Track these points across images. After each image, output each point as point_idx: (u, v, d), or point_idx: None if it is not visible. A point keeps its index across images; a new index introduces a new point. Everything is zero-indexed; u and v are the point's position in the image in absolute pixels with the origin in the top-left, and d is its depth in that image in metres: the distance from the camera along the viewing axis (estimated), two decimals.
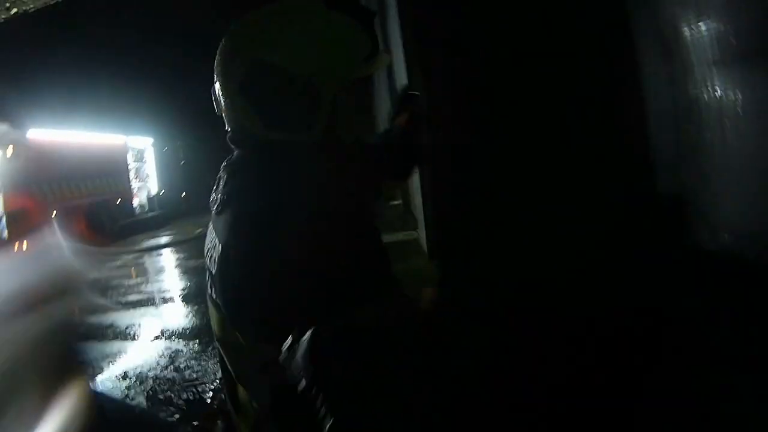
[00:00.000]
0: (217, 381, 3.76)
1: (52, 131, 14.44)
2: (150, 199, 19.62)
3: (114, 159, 17.58)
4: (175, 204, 20.48)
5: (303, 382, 0.86)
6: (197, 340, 5.08)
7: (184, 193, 21.56)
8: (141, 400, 3.90)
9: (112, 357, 5.09)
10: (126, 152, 18.35)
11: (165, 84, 21.12)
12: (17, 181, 12.38)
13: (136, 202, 18.67)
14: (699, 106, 2.08)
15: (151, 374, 4.45)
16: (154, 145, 20.73)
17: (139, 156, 19.64)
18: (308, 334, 0.86)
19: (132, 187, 18.56)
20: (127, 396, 4.06)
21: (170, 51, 20.43)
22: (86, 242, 11.12)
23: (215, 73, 1.04)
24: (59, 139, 14.70)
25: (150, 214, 18.74)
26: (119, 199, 16.98)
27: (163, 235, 14.93)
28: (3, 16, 2.65)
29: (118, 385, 4.28)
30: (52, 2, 2.70)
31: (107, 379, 4.44)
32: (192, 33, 18.98)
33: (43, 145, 13.81)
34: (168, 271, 9.96)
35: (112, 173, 17.18)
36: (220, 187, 1.04)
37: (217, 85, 1.05)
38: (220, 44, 1.03)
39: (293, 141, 1.01)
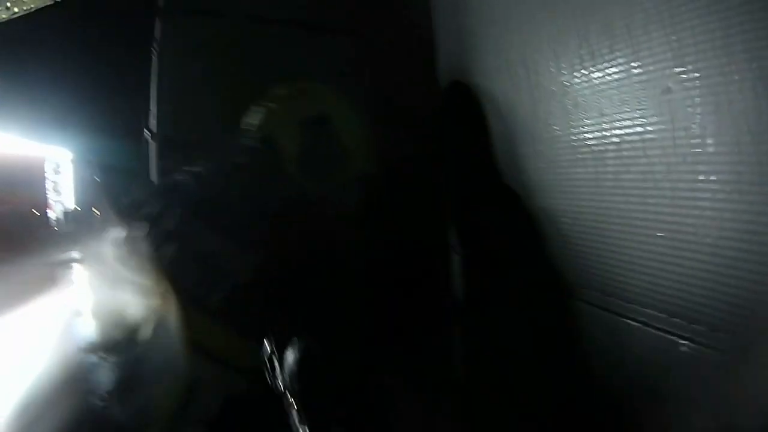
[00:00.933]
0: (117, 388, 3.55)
1: None
2: (65, 213, 18.55)
3: (32, 169, 16.83)
4: (89, 220, 19.44)
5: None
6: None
7: (97, 211, 20.63)
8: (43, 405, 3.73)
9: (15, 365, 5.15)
10: (44, 163, 17.56)
11: (89, 98, 20.30)
12: None
13: (51, 215, 17.64)
14: None
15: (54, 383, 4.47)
16: (72, 160, 19.72)
17: (58, 169, 18.67)
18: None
19: (49, 199, 17.62)
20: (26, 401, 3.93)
21: (98, 66, 19.86)
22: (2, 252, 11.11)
23: (268, 123, 1.38)
24: None
25: (64, 229, 17.79)
26: (35, 211, 16.20)
27: (75, 250, 14.59)
28: (3, 16, 2.55)
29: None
30: (51, 2, 2.59)
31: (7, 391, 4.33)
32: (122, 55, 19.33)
33: None
34: (78, 285, 10.17)
35: (30, 183, 16.41)
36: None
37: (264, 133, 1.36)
38: (273, 104, 1.38)
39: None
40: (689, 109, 1.02)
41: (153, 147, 2.59)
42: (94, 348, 2.47)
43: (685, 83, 1.03)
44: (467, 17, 2.02)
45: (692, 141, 1.02)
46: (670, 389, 1.15)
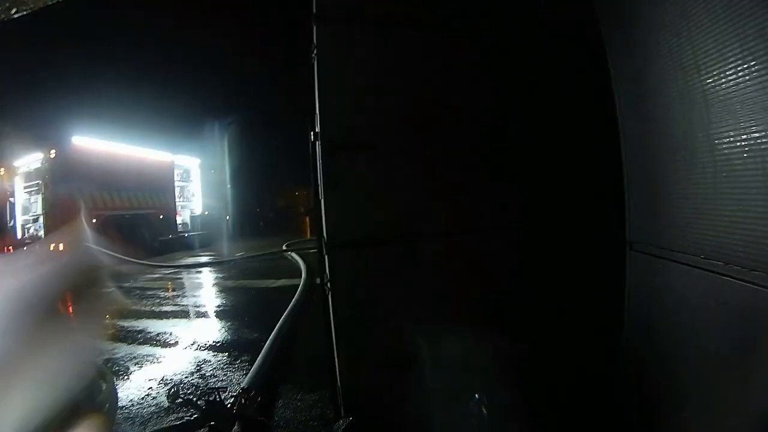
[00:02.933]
0: (240, 389, 3.75)
1: (98, 140, 15.10)
2: (193, 218, 20.50)
3: (160, 175, 18.40)
4: (218, 226, 21.15)
5: None
6: (226, 353, 5.40)
7: (228, 216, 22.54)
8: (162, 399, 4.03)
9: (138, 360, 5.24)
10: (172, 170, 19.29)
11: (221, 108, 22.44)
12: (58, 184, 13.18)
13: (179, 220, 19.43)
14: None
15: (175, 378, 4.68)
16: (201, 166, 21.45)
17: (186, 175, 20.61)
18: None
19: (176, 204, 19.30)
20: (148, 395, 4.24)
21: (229, 81, 22.24)
22: (124, 252, 12.31)
23: None
24: (105, 148, 15.35)
25: (192, 233, 19.54)
26: (162, 215, 17.92)
27: (203, 255, 15.99)
28: (3, 17, 2.53)
29: (141, 385, 4.42)
30: (51, 2, 2.59)
31: (131, 379, 4.56)
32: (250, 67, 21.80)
33: (87, 152, 14.41)
34: (204, 288, 10.50)
35: (157, 189, 18.01)
36: None
37: None
38: None
39: None
40: None
41: (318, 148, 2.82)
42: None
43: None
44: (637, 20, 2.26)
45: None
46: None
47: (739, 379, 1.84)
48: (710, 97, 1.88)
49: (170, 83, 19.80)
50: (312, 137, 2.89)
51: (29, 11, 2.62)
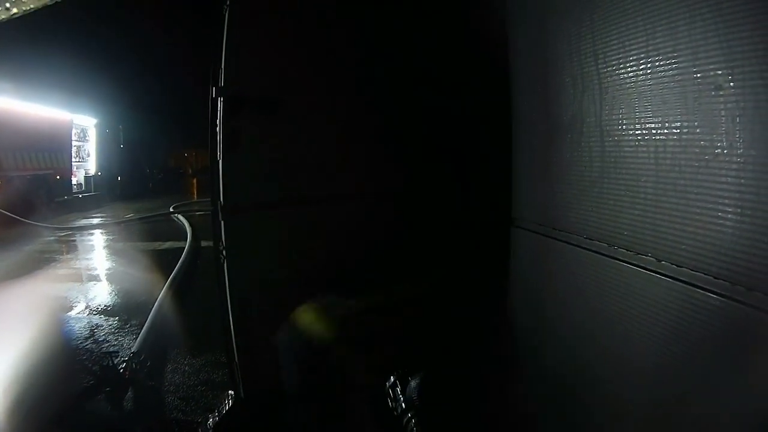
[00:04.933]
0: (131, 354, 3.89)
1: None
2: (87, 178, 20.05)
3: (58, 135, 17.73)
4: (110, 186, 21.06)
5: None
6: (117, 317, 5.53)
7: (119, 177, 22.36)
8: (59, 366, 3.89)
9: (35, 325, 4.69)
10: (71, 129, 18.68)
11: (114, 67, 21.04)
12: None
13: (74, 180, 18.93)
14: None
15: (71, 345, 4.73)
16: (96, 125, 21.02)
17: (83, 134, 20.06)
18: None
19: (72, 164, 18.75)
20: (45, 362, 3.96)
21: (124, 40, 20.44)
22: (23, 214, 12.30)
23: None
24: (4, 106, 14.65)
25: (86, 194, 19.09)
26: (58, 176, 17.33)
27: (95, 216, 15.87)
28: (3, 17, 2.49)
29: (38, 352, 4.13)
30: (51, 2, 2.58)
31: (27, 346, 4.20)
32: (144, 27, 20.31)
33: None
34: (96, 251, 10.77)
35: (55, 149, 17.43)
36: None
37: None
38: None
39: None
40: (734, 104, 1.28)
41: (219, 105, 2.67)
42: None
43: (734, 83, 1.26)
44: (541, 5, 2.26)
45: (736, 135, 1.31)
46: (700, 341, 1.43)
47: (622, 355, 1.91)
48: (606, 85, 1.90)
49: (70, 40, 18.07)
50: (213, 93, 2.70)
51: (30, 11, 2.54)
